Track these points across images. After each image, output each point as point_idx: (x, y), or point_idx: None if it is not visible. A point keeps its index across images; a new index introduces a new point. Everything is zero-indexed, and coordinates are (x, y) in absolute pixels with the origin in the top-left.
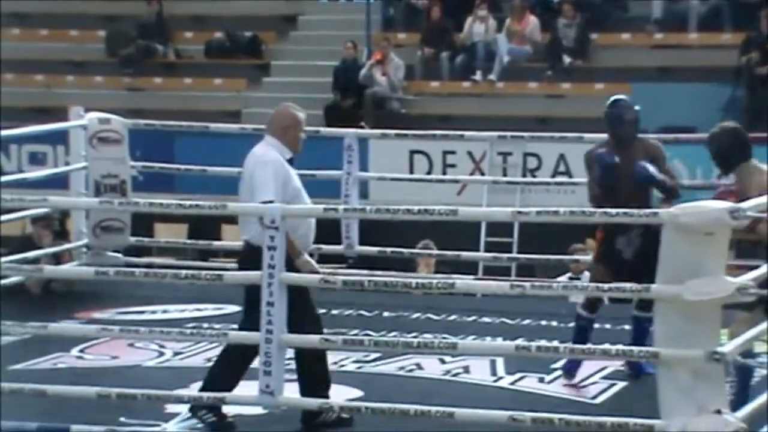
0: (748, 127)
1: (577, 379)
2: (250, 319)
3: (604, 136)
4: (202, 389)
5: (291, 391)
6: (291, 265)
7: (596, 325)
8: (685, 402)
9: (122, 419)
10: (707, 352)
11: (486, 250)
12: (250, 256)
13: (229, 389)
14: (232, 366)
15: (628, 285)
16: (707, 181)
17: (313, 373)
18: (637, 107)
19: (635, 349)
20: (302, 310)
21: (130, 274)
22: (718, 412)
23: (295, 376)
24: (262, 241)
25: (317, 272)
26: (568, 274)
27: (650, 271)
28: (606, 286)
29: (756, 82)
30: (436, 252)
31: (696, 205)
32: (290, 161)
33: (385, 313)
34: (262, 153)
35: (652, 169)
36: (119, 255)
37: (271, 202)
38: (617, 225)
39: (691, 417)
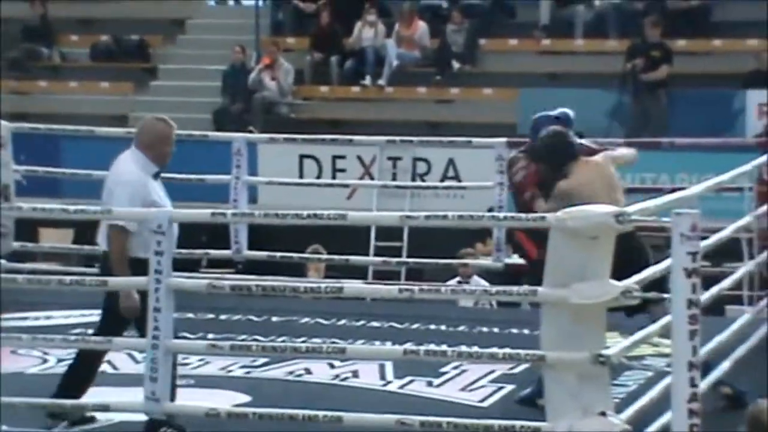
0: (634, 132)
1: (465, 383)
2: (104, 326)
3: (493, 140)
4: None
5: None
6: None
7: (484, 329)
8: (571, 404)
9: (4, 428)
10: (593, 354)
11: (375, 255)
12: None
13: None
14: (82, 374)
15: (515, 288)
16: None
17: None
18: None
19: (522, 352)
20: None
21: (13, 280)
22: (603, 414)
23: (183, 382)
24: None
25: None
26: (457, 278)
27: None
28: (494, 289)
29: (641, 88)
30: (325, 256)
31: (582, 209)
32: (157, 174)
33: (274, 318)
34: (124, 170)
35: None
36: (2, 261)
37: (122, 227)
38: None
39: (577, 419)
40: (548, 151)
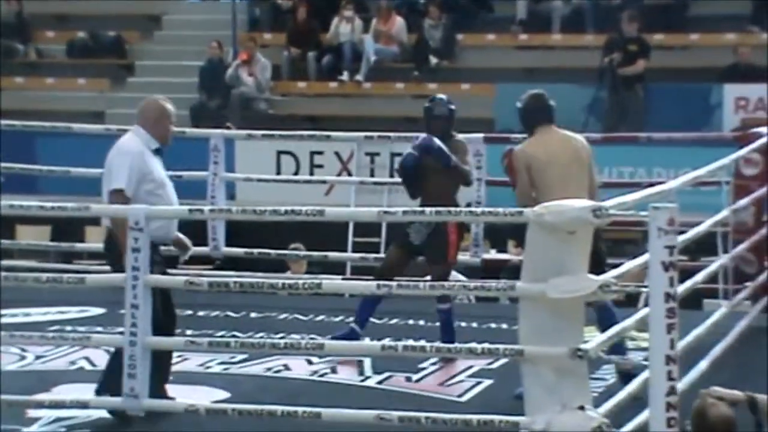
0: (611, 127)
1: (444, 378)
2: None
3: (470, 136)
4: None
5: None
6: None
7: (463, 324)
8: (550, 398)
9: None
10: (571, 349)
11: (354, 251)
12: None
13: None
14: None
15: (493, 283)
16: None
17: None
18: (452, 106)
19: (500, 347)
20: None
21: None
22: (582, 408)
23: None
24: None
25: None
26: None
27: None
28: (472, 285)
29: (618, 83)
30: (302, 253)
31: (559, 204)
32: (158, 151)
33: (252, 314)
34: (124, 143)
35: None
36: None
37: (121, 190)
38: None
39: (555, 413)
40: (520, 113)
